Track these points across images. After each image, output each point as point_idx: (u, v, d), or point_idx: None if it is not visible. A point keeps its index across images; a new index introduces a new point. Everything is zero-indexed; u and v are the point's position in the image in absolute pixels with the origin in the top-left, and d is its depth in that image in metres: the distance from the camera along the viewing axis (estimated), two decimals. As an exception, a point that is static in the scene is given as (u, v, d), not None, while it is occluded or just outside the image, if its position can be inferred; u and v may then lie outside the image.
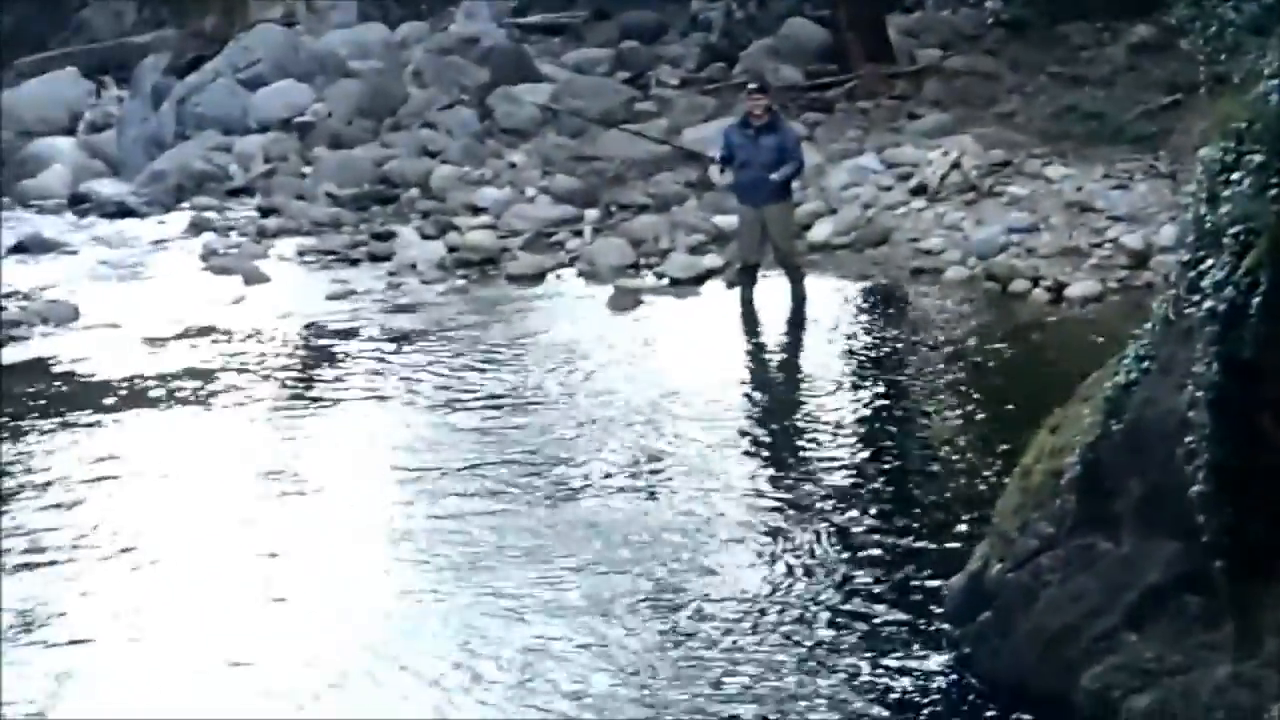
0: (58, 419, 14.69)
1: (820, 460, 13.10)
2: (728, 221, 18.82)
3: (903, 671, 9.66)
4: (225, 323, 17.58)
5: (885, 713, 9.35)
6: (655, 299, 17.88)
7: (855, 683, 9.62)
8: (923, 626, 10.11)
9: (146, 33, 32.44)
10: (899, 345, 15.99)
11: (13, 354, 16.97)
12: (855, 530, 11.67)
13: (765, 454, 13.32)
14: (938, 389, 14.74)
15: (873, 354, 15.79)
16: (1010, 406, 13.76)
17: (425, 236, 20.39)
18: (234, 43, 27.49)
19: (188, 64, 27.66)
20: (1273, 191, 7.84)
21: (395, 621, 10.66)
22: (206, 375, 15.80)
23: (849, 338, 16.35)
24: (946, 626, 9.93)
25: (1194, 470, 8.23)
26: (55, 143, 26.52)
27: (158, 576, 11.48)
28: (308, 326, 17.52)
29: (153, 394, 15.36)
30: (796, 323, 16.79)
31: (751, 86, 18.15)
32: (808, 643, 10.09)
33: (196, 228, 21.85)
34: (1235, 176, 8.09)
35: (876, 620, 10.30)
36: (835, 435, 13.63)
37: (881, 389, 14.82)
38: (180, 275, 19.87)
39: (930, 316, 16.90)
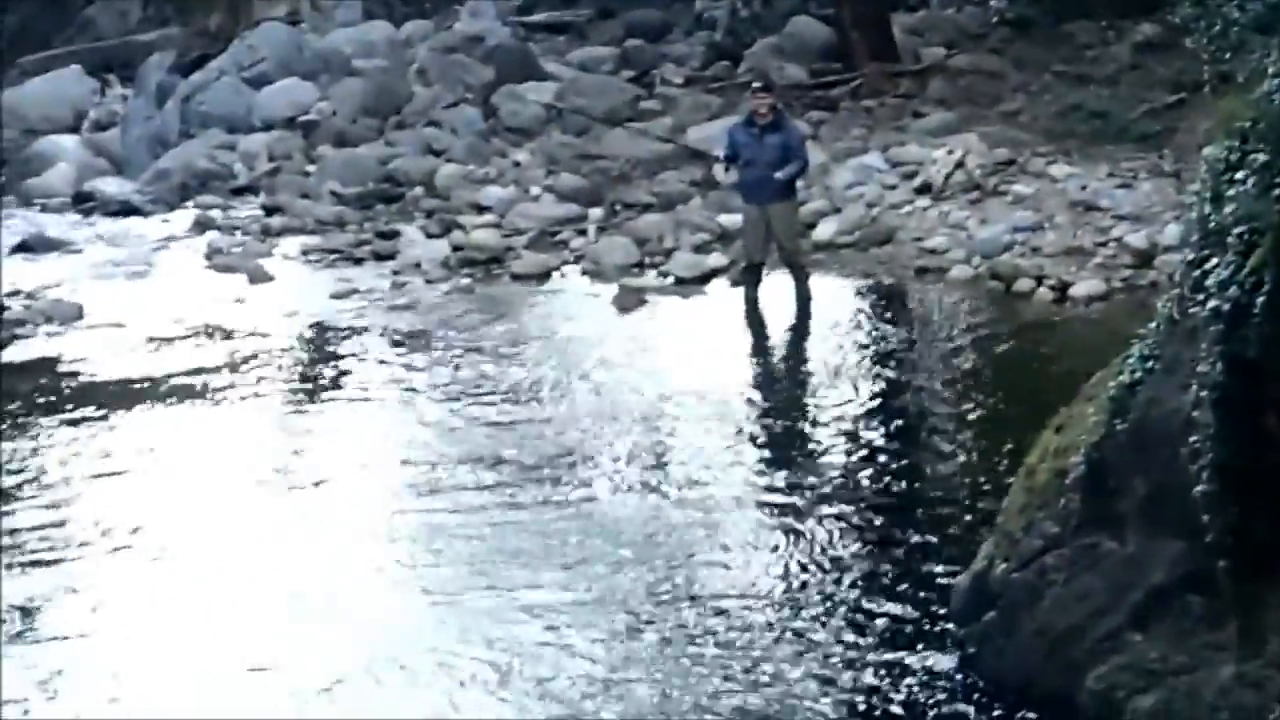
0: (61, 417, 14.70)
1: (824, 459, 13.10)
2: (732, 220, 18.80)
3: (907, 671, 9.66)
4: (229, 321, 17.57)
5: (890, 712, 9.34)
6: (660, 298, 17.87)
7: (860, 682, 9.62)
8: (927, 626, 10.10)
9: (151, 31, 32.44)
10: (903, 345, 15.98)
11: (17, 353, 16.98)
12: (860, 529, 11.67)
13: (770, 452, 13.32)
14: (942, 388, 14.72)
15: (877, 353, 15.77)
16: (1015, 406, 13.75)
17: (430, 235, 20.37)
18: (238, 41, 27.47)
19: (192, 62, 27.65)
20: (1277, 191, 7.83)
21: (402, 619, 10.67)
22: (210, 374, 15.79)
23: (853, 337, 16.33)
24: (951, 626, 9.92)
25: (1198, 470, 8.22)
26: (60, 141, 26.51)
27: (161, 574, 11.49)
28: (312, 326, 17.51)
29: (156, 393, 15.36)
30: (801, 322, 16.78)
31: (756, 85, 18.13)
32: (811, 641, 10.09)
33: (201, 226, 21.83)
34: (1240, 175, 8.09)
35: (881, 619, 10.29)
36: (839, 434, 13.62)
37: (886, 388, 14.81)
38: (184, 274, 19.86)
39: (934, 316, 16.89)
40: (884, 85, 23.94)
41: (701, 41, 27.48)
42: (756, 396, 14.85)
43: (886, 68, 24.28)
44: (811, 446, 13.42)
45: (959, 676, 9.54)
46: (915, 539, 11.43)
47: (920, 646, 9.88)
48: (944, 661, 9.70)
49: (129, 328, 17.58)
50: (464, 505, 12.37)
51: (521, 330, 16.91)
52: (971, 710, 9.27)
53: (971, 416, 13.90)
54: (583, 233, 19.98)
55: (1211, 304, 8.08)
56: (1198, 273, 8.37)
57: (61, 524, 12.35)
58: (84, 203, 23.62)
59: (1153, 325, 9.06)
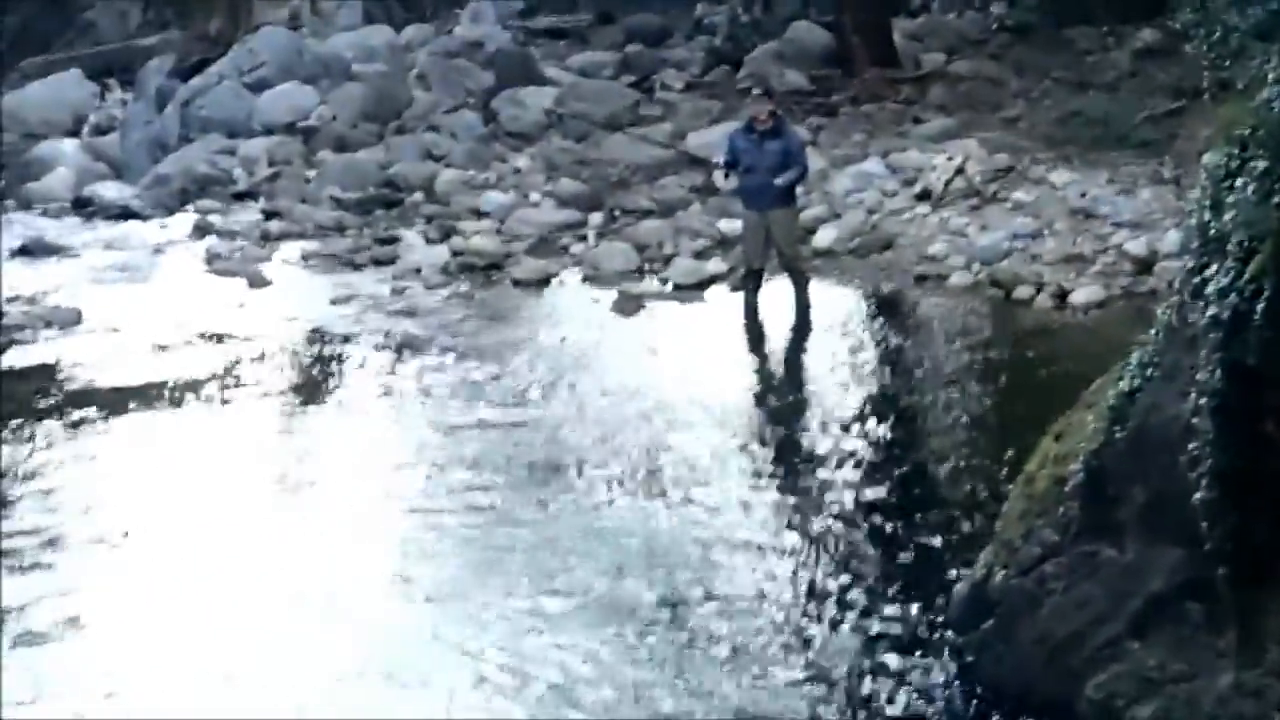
0: (61, 422, 14.69)
1: (824, 466, 13.09)
2: (732, 226, 18.80)
3: (906, 679, 9.64)
4: (228, 326, 17.55)
5: (889, 720, 9.35)
6: (659, 304, 17.86)
7: (859, 690, 9.60)
8: (926, 634, 10.09)
9: (151, 35, 32.42)
10: (903, 351, 15.97)
11: (16, 357, 16.96)
12: (859, 536, 11.66)
13: (769, 459, 13.31)
14: (941, 395, 14.71)
15: (876, 360, 15.77)
16: (1014, 413, 13.74)
17: (429, 241, 20.37)
18: (238, 45, 27.45)
19: (192, 67, 27.62)
20: (1276, 198, 7.82)
21: (402, 621, 10.66)
22: (209, 379, 15.78)
23: (853, 344, 16.32)
24: (950, 634, 9.91)
25: (1198, 477, 8.21)
26: (59, 145, 26.48)
27: (161, 577, 11.47)
28: (311, 331, 17.50)
29: (156, 397, 15.34)
30: (800, 328, 16.76)
31: (756, 91, 18.14)
32: (811, 649, 10.08)
33: (200, 231, 21.82)
34: (1239, 183, 8.08)
35: (880, 627, 10.28)
36: (839, 441, 13.60)
37: (885, 395, 14.80)
38: (183, 279, 19.84)
39: (934, 322, 16.88)
40: (884, 91, 23.96)
41: (702, 47, 27.49)
42: (756, 403, 14.85)
43: (887, 74, 24.31)
44: (810, 453, 13.41)
45: (958, 684, 9.53)
46: (913, 546, 11.42)
47: (919, 654, 9.87)
48: (943, 669, 9.68)
49: (128, 332, 17.56)
50: (464, 509, 12.36)
51: (521, 336, 16.90)
52: (970, 719, 9.25)
53: (970, 423, 13.89)
54: (582, 238, 19.99)
55: (1211, 311, 8.07)
56: (1197, 279, 8.36)
57: (60, 528, 12.34)
58: (83, 207, 23.60)
59: (1152, 332, 9.05)
